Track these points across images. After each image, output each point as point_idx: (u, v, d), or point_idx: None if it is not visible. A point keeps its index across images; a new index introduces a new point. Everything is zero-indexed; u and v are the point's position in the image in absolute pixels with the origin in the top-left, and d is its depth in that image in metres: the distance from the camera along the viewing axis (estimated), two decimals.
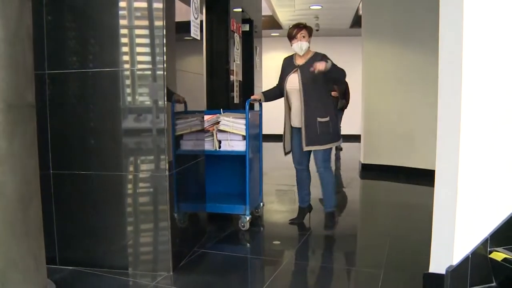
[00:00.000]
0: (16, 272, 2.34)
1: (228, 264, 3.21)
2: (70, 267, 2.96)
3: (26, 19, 2.40)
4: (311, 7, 9.26)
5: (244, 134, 3.73)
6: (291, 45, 3.80)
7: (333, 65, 3.56)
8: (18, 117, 2.34)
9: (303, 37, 3.73)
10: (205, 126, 3.72)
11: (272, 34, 12.34)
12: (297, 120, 3.79)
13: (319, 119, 3.68)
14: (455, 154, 2.24)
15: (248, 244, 3.75)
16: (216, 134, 3.78)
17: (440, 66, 2.42)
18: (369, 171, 6.74)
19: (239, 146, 3.78)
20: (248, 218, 3.79)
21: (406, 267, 3.00)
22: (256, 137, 4.08)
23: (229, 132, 3.76)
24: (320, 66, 3.50)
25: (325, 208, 3.94)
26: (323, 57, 3.66)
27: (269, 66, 9.11)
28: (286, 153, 3.97)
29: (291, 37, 3.78)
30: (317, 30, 10.68)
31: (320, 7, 9.14)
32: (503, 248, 2.18)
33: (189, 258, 3.19)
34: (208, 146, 3.77)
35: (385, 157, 6.58)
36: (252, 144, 3.89)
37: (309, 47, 3.80)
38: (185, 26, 3.23)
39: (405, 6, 6.23)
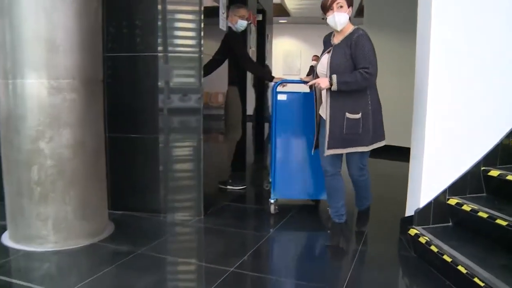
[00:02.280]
0: (91, 207, 3.10)
1: (247, 213, 3.98)
2: (120, 212, 3.70)
3: (99, 13, 3.12)
4: None
5: None
6: (326, 19, 3.00)
7: (344, 83, 2.85)
8: (94, 90, 3.08)
9: (340, 7, 2.91)
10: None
11: (280, 21, 12.93)
12: (323, 111, 3.12)
13: (347, 115, 2.92)
14: (423, 129, 2.99)
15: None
16: None
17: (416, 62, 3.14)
18: None
19: None
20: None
21: (389, 218, 3.71)
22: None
23: None
24: (323, 83, 2.91)
25: (361, 205, 3.40)
26: (358, 39, 2.89)
27: (277, 51, 9.78)
28: (314, 149, 3.32)
29: (325, 8, 2.96)
30: (322, 19, 11.30)
31: None
32: (458, 197, 2.92)
33: (216, 208, 3.94)
34: None
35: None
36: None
37: (349, 19, 2.98)
38: (214, 20, 3.94)
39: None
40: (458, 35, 2.93)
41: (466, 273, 2.29)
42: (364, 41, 2.87)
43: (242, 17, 4.32)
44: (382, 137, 3.05)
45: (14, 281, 2.50)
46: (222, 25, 4.07)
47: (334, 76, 2.86)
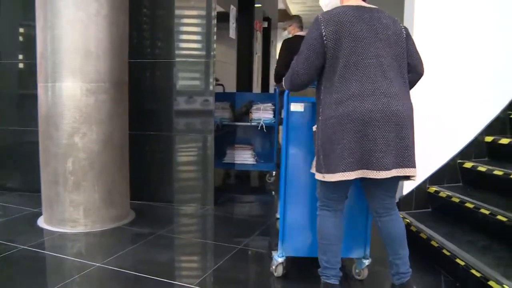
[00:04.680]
0: (116, 193, 3.54)
1: (252, 202, 4.41)
2: (139, 202, 4.14)
3: (126, 25, 3.57)
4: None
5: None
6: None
7: (284, 81, 2.32)
8: (120, 90, 3.53)
9: None
10: None
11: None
12: None
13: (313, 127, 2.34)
14: None
15: (272, 192, 4.84)
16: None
17: None
18: None
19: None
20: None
21: None
22: None
23: None
24: None
25: (401, 276, 2.27)
26: None
27: None
28: None
29: None
30: None
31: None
32: (437, 186, 3.35)
33: (224, 198, 4.39)
34: None
35: None
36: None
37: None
38: (225, 29, 4.40)
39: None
40: (439, 37, 3.35)
41: (437, 246, 2.73)
42: None
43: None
44: (335, 168, 2.06)
45: (54, 254, 2.95)
46: (232, 33, 4.53)
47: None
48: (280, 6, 11.26)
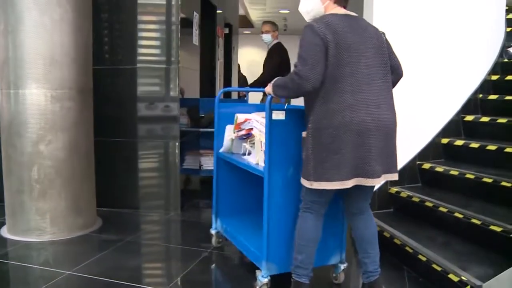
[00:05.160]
0: (83, 200, 3.52)
1: None
2: (105, 208, 4.10)
3: (90, 30, 3.56)
4: (280, 11, 10.54)
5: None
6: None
7: (277, 86, 2.27)
8: (85, 98, 3.51)
9: None
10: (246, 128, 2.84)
11: (244, 32, 13.50)
12: None
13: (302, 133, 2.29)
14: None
15: None
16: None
17: None
18: None
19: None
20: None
21: None
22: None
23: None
24: (268, 87, 2.36)
25: (370, 275, 2.39)
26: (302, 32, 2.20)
27: (241, 60, 10.33)
28: None
29: None
30: (284, 30, 11.97)
31: (288, 11, 10.42)
32: (398, 186, 3.51)
33: (189, 204, 4.41)
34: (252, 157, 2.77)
35: None
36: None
37: (319, 6, 2.30)
38: (189, 35, 4.43)
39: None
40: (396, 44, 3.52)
41: (400, 244, 2.87)
42: (303, 31, 2.17)
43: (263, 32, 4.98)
44: (329, 177, 2.12)
45: (21, 264, 2.90)
46: (195, 40, 4.57)
47: (275, 79, 2.31)
48: (240, 11, 11.38)
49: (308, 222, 2.30)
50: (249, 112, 2.93)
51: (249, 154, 2.82)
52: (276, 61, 4.88)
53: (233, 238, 2.93)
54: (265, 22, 5.14)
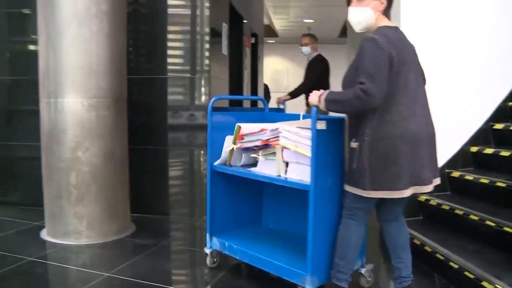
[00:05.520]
0: (118, 205, 3.63)
1: None
2: (138, 214, 4.20)
3: (125, 41, 3.69)
4: (303, 20, 10.61)
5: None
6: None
7: (333, 102, 2.20)
8: (120, 106, 3.63)
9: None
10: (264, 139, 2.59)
11: (268, 41, 13.61)
12: None
13: (351, 143, 2.27)
14: None
15: None
16: (282, 152, 2.52)
17: None
18: None
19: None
20: None
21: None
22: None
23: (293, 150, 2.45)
24: (311, 98, 2.31)
25: (403, 280, 2.45)
26: (361, 43, 2.18)
27: (265, 69, 10.43)
28: None
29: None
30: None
31: (312, 20, 10.49)
32: (427, 195, 3.51)
33: None
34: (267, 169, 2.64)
35: None
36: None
37: (378, 15, 2.27)
38: (218, 44, 4.55)
39: None
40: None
41: (431, 251, 2.88)
42: (364, 44, 2.14)
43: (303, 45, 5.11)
44: (389, 186, 2.16)
45: (62, 265, 3.02)
46: (225, 50, 4.68)
47: (326, 92, 2.24)
48: (265, 21, 11.49)
49: (351, 228, 2.35)
50: (242, 121, 2.81)
51: (255, 165, 2.73)
52: (319, 72, 5.03)
53: (245, 255, 2.77)
54: (304, 35, 5.24)
